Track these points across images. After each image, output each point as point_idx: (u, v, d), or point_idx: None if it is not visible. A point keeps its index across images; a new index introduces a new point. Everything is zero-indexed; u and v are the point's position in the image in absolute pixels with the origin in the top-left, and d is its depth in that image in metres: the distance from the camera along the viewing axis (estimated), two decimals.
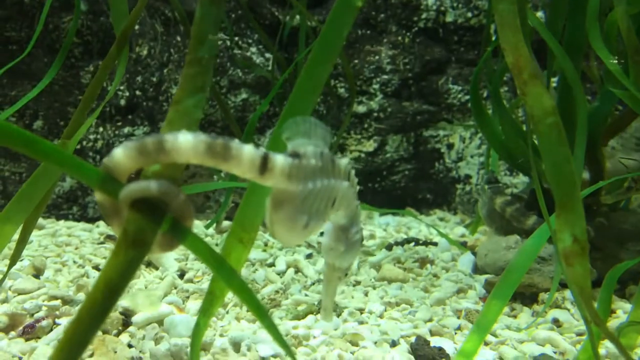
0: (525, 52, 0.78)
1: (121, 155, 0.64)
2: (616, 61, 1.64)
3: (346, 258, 0.98)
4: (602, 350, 1.39)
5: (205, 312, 0.87)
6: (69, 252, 2.12)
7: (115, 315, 1.45)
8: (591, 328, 1.03)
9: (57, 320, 1.48)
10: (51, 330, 1.43)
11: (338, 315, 1.60)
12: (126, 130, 3.11)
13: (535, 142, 2.41)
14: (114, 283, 0.62)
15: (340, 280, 1.01)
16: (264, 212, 0.76)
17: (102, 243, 2.28)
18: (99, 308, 0.62)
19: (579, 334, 1.51)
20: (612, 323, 1.54)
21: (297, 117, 0.77)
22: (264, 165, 0.67)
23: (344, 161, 0.84)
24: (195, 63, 0.73)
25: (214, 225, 2.62)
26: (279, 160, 0.69)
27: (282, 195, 0.73)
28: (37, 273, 1.84)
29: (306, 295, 1.77)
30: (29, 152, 0.63)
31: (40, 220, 2.73)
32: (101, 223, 2.79)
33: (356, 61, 3.43)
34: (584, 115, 1.64)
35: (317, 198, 0.77)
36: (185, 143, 0.62)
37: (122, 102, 3.12)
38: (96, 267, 1.96)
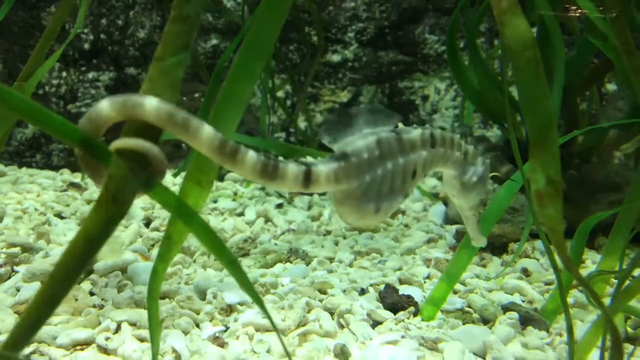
0: None
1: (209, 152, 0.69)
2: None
3: (467, 199, 1.09)
4: (569, 300, 1.39)
5: (163, 258, 0.83)
6: (30, 199, 2.05)
7: None
8: (560, 277, 1.02)
9: (15, 268, 1.43)
10: (9, 277, 1.38)
11: (307, 264, 1.58)
12: (91, 75, 2.98)
13: (512, 93, 2.38)
14: (93, 238, 0.62)
15: (475, 216, 1.13)
16: None
17: (64, 190, 2.21)
18: (77, 262, 0.62)
19: (548, 284, 1.52)
20: (582, 273, 1.55)
21: (337, 114, 0.87)
22: (308, 178, 0.75)
23: (416, 132, 0.89)
24: (181, 20, 0.71)
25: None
26: (323, 170, 0.77)
27: (339, 193, 0.80)
28: None
29: (276, 244, 1.74)
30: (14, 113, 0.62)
31: (1, 167, 2.64)
32: (65, 171, 2.70)
33: (331, 8, 3.32)
34: (562, 64, 1.61)
35: (382, 183, 0.84)
36: (249, 159, 0.70)
37: (86, 45, 2.98)
38: (58, 215, 1.90)
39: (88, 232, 0.60)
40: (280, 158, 0.76)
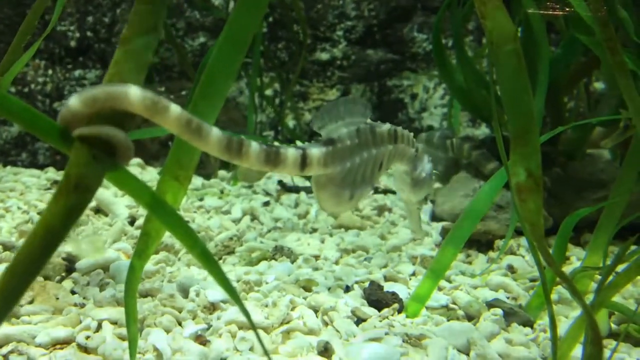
0: None
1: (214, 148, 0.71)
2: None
3: (416, 193, 1.17)
4: (554, 296, 1.39)
5: (141, 254, 0.82)
6: (13, 197, 2.02)
7: (57, 261, 1.38)
8: (544, 273, 1.02)
9: None
10: None
11: (292, 262, 1.57)
12: (77, 73, 2.96)
13: (498, 91, 2.38)
14: (54, 229, 0.59)
15: (419, 210, 1.23)
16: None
17: (48, 189, 2.19)
18: (37, 254, 0.59)
19: (533, 280, 1.51)
20: (566, 269, 1.55)
21: (326, 104, 0.90)
22: (304, 162, 0.80)
23: (385, 127, 0.97)
24: (147, 0, 0.69)
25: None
26: (315, 153, 0.82)
27: (323, 177, 0.86)
28: None
29: (261, 242, 1.73)
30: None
31: None
32: (50, 169, 2.67)
33: (319, 6, 3.32)
34: (547, 61, 1.61)
35: (358, 171, 0.90)
36: (253, 151, 0.75)
37: (73, 43, 2.96)
38: (41, 213, 1.88)
39: (47, 222, 0.58)
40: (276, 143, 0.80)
